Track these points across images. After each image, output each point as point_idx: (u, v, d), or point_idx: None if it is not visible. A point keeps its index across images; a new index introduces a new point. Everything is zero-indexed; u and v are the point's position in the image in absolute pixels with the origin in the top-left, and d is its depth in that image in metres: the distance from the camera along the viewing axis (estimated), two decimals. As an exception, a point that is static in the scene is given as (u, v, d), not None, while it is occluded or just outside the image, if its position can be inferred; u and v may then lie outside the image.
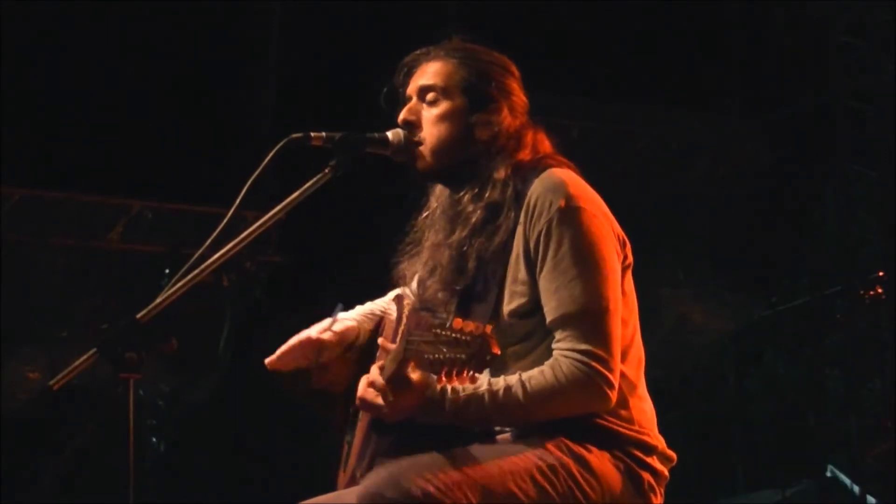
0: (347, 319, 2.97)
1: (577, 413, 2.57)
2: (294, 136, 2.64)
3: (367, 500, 2.43)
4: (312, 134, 2.67)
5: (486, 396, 2.52)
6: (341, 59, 7.29)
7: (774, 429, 9.96)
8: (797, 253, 9.33)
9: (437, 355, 2.28)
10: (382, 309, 3.02)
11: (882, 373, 7.69)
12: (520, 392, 2.52)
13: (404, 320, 2.75)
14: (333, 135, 2.69)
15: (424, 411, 2.52)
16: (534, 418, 2.55)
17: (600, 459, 2.56)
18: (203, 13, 7.17)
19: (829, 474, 7.76)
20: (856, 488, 7.42)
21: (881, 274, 7.65)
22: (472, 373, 2.30)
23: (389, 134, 2.76)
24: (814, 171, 8.67)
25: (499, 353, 2.28)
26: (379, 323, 2.97)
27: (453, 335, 2.28)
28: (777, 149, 8.36)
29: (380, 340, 2.66)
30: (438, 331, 2.30)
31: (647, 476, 2.61)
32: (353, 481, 2.69)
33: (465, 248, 2.68)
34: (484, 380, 2.55)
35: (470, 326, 2.29)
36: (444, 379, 2.30)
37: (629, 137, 8.26)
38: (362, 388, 2.55)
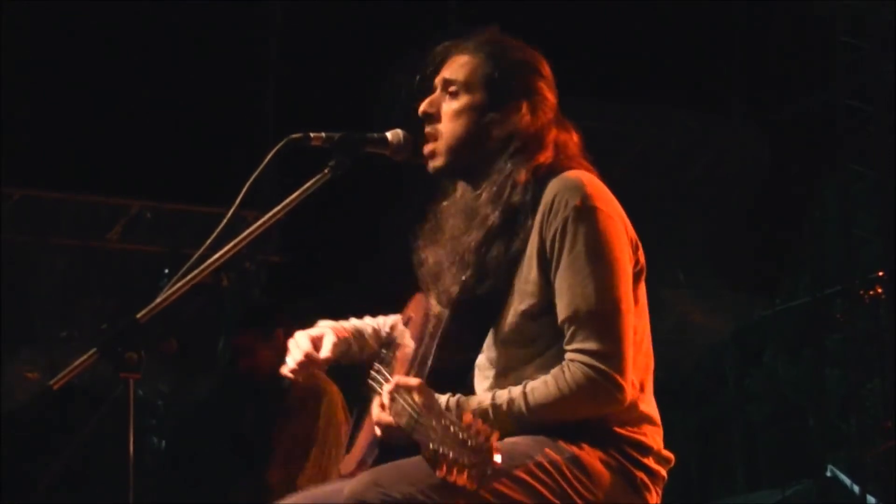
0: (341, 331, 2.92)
1: (586, 416, 2.57)
2: (293, 136, 2.63)
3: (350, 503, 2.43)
4: (312, 134, 2.66)
5: (491, 412, 2.52)
6: (341, 59, 7.29)
7: (774, 429, 9.96)
8: (797, 253, 9.33)
9: (441, 449, 2.20)
10: (379, 325, 3.00)
11: (882, 373, 7.69)
12: (522, 404, 2.52)
13: (433, 353, 2.68)
14: (333, 135, 2.68)
15: None
16: (543, 425, 2.54)
17: (591, 457, 2.55)
18: (204, 14, 7.17)
19: (829, 474, 7.76)
20: (856, 488, 7.42)
21: (881, 274, 7.66)
22: (471, 480, 2.18)
23: (389, 134, 2.75)
24: (814, 171, 8.68)
25: (500, 465, 2.18)
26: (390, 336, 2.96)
27: (461, 434, 2.19)
28: (778, 149, 8.36)
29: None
30: (450, 425, 2.21)
31: (640, 474, 2.61)
32: (359, 467, 2.68)
33: (484, 253, 2.67)
34: (488, 395, 2.56)
35: (478, 428, 2.19)
36: (444, 471, 2.25)
37: (629, 137, 8.26)
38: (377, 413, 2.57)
